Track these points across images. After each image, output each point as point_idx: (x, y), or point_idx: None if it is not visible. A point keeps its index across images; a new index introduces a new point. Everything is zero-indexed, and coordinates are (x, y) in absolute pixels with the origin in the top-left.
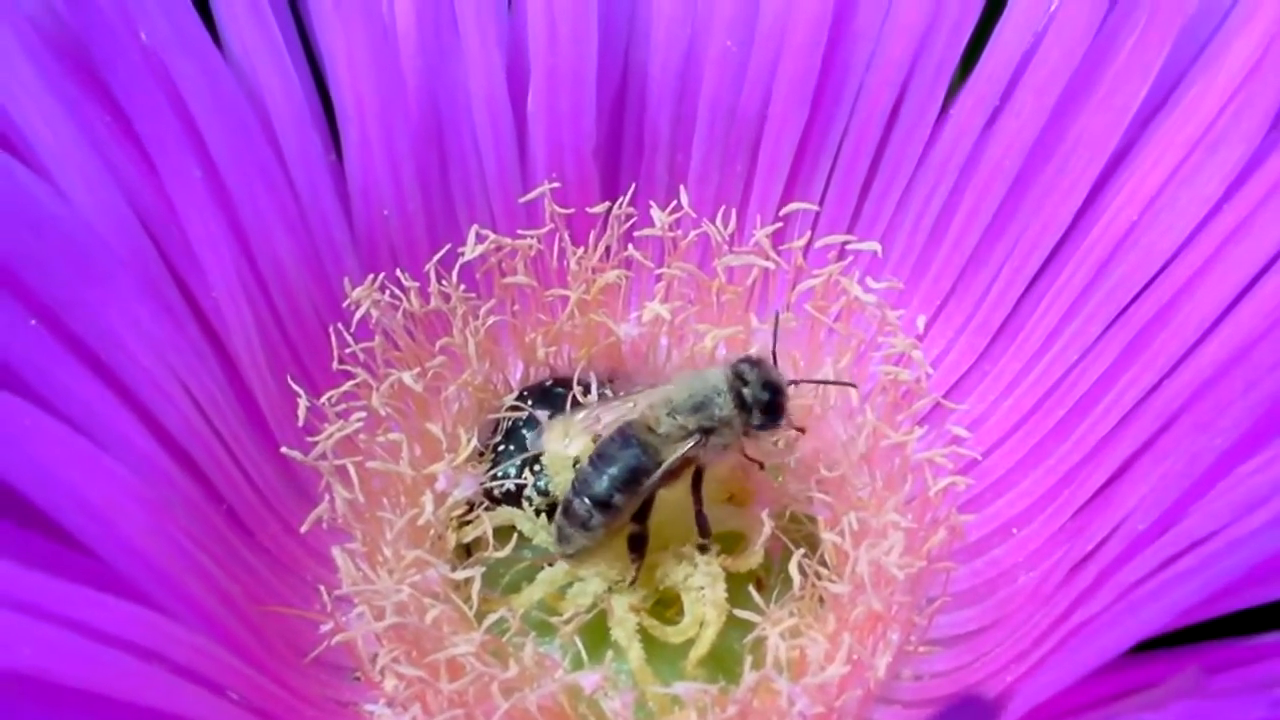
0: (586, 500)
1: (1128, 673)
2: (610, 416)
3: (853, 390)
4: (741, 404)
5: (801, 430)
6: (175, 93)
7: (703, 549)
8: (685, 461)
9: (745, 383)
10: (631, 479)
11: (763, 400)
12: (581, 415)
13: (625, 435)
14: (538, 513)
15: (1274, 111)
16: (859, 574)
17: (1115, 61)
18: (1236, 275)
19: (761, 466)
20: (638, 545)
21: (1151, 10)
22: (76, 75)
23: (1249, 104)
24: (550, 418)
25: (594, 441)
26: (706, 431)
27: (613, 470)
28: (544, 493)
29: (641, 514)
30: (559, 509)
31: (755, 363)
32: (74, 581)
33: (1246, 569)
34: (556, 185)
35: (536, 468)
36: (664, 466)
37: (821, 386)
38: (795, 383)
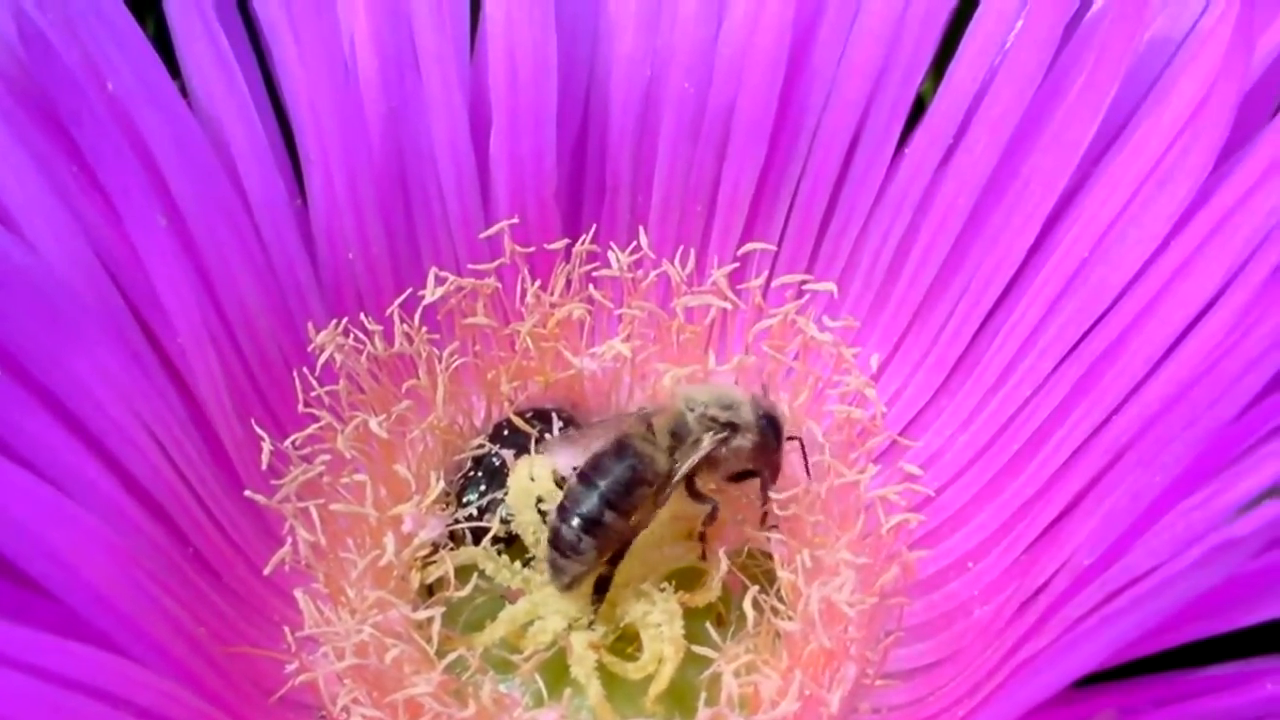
0: (585, 504)
1: (1074, 706)
2: (585, 442)
3: (814, 427)
4: (758, 413)
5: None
6: (140, 141)
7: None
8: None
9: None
10: (625, 491)
11: (774, 414)
12: (546, 449)
13: (621, 446)
14: (499, 551)
15: (1219, 148)
16: (810, 611)
17: (1066, 99)
18: (1181, 312)
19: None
20: (601, 586)
21: (1101, 49)
22: (43, 125)
23: (1195, 141)
24: (517, 455)
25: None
26: (734, 427)
27: (606, 480)
28: (508, 533)
29: (616, 556)
30: (547, 540)
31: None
32: (40, 627)
33: (1181, 606)
34: (516, 222)
35: (500, 507)
36: (699, 453)
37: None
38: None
